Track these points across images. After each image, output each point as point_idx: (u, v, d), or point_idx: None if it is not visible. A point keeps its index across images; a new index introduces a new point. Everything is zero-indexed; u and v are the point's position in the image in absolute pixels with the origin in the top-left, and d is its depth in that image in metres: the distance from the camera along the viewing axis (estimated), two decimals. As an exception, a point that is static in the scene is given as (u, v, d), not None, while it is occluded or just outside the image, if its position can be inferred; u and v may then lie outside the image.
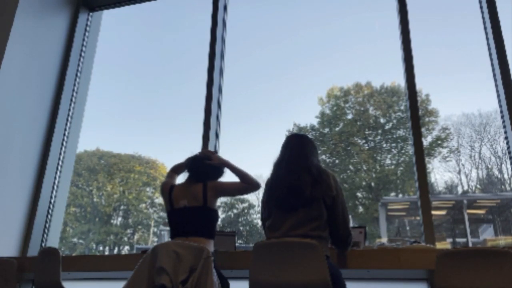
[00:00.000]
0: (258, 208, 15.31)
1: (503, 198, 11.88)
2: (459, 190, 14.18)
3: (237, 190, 2.47)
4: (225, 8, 4.42)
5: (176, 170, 2.66)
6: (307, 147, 2.20)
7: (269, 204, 2.13)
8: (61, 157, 4.29)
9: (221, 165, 2.52)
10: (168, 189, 2.45)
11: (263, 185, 2.30)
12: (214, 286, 1.92)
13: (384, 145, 14.12)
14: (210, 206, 2.32)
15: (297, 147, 2.20)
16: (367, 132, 14.27)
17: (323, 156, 13.74)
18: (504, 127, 3.26)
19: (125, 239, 16.28)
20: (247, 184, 2.42)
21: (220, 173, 2.54)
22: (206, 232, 2.27)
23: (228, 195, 2.48)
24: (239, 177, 2.45)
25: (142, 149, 17.34)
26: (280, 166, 2.17)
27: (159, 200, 16.08)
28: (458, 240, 11.63)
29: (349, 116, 14.66)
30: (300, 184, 2.02)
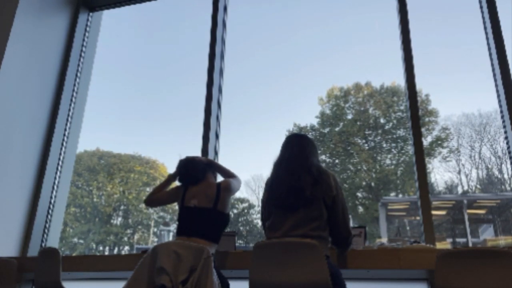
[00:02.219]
0: (258, 208, 15.31)
1: (503, 198, 11.88)
2: (459, 190, 14.18)
3: (236, 185, 2.52)
4: (225, 8, 4.42)
5: (162, 188, 2.61)
6: (307, 147, 2.20)
7: (269, 204, 2.13)
8: (61, 157, 4.29)
9: (208, 162, 2.64)
10: (182, 190, 2.44)
11: (262, 184, 2.32)
12: (214, 286, 1.92)
13: (384, 145, 14.12)
14: (220, 209, 2.31)
15: (297, 147, 2.20)
16: (367, 132, 14.27)
17: (323, 156, 13.74)
18: (504, 127, 3.26)
19: (125, 239, 16.28)
20: (235, 177, 2.55)
21: (211, 167, 2.61)
22: (209, 235, 2.24)
23: (234, 191, 2.49)
24: (225, 173, 2.59)
25: (142, 149, 17.36)
26: (280, 166, 2.17)
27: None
28: (458, 240, 11.63)
29: (349, 116, 14.67)
30: (300, 185, 2.02)
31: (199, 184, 2.42)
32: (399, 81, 14.28)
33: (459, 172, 14.17)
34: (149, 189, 16.73)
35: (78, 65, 4.65)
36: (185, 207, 2.34)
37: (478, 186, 14.31)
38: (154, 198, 2.55)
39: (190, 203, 2.33)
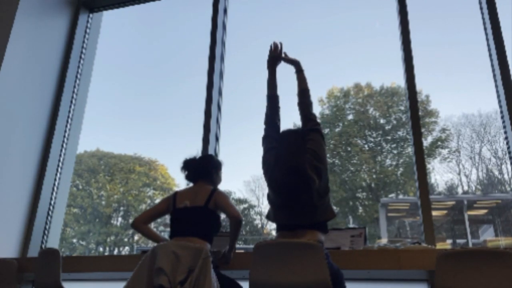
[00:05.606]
0: (258, 209, 15.31)
1: (503, 198, 11.88)
2: (459, 190, 14.18)
3: (229, 216, 2.26)
4: (225, 11, 4.42)
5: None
6: (301, 148, 2.18)
7: (272, 200, 2.18)
8: (61, 158, 4.29)
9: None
10: (172, 196, 2.42)
11: (262, 184, 2.32)
12: (212, 287, 1.92)
13: (384, 146, 14.12)
14: (211, 208, 2.28)
15: (293, 146, 2.19)
16: (367, 133, 14.28)
17: (323, 157, 13.70)
18: (504, 127, 3.26)
19: (125, 239, 16.28)
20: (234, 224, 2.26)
21: (218, 164, 2.52)
22: (202, 233, 2.21)
23: (227, 198, 2.36)
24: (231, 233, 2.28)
25: (143, 150, 17.37)
26: (277, 164, 2.17)
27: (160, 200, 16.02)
28: (458, 241, 11.63)
29: (349, 117, 14.68)
30: (297, 188, 2.06)
31: (189, 187, 2.42)
32: (399, 81, 14.30)
33: (459, 173, 14.17)
34: (149, 190, 16.73)
35: (78, 66, 4.65)
36: (177, 209, 2.33)
37: (478, 186, 14.31)
38: (144, 216, 2.40)
39: (181, 205, 2.32)
